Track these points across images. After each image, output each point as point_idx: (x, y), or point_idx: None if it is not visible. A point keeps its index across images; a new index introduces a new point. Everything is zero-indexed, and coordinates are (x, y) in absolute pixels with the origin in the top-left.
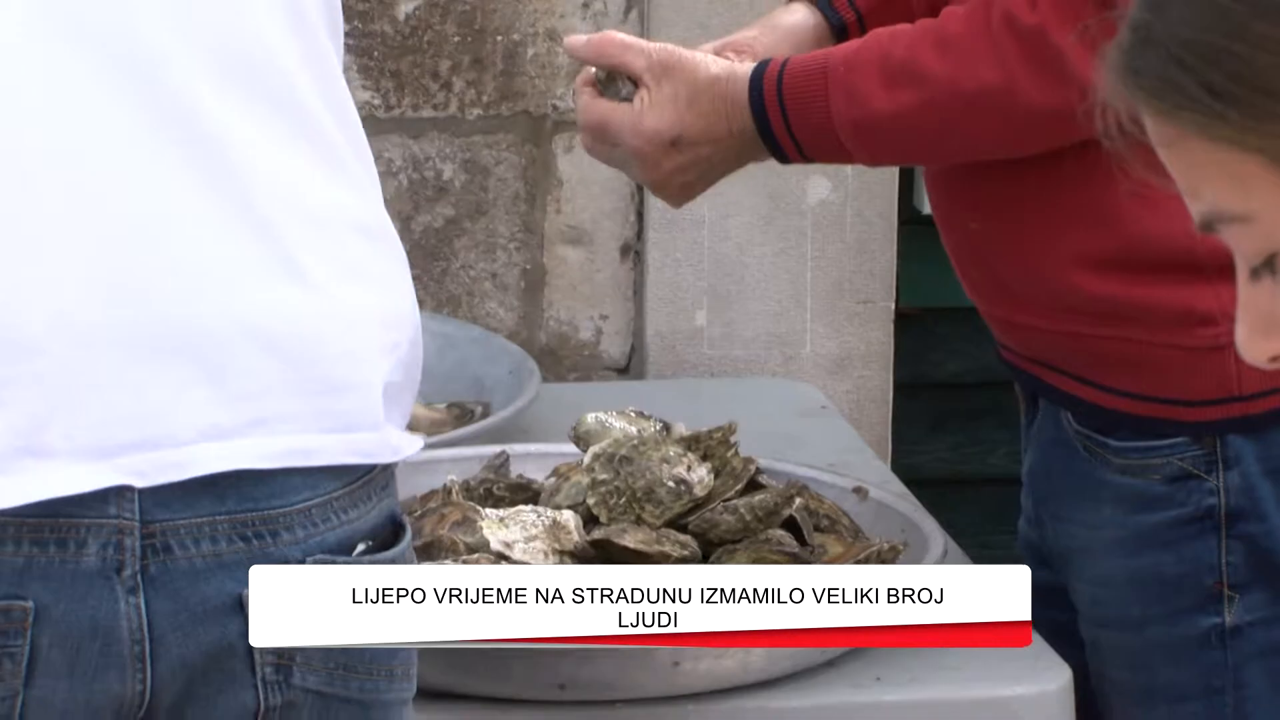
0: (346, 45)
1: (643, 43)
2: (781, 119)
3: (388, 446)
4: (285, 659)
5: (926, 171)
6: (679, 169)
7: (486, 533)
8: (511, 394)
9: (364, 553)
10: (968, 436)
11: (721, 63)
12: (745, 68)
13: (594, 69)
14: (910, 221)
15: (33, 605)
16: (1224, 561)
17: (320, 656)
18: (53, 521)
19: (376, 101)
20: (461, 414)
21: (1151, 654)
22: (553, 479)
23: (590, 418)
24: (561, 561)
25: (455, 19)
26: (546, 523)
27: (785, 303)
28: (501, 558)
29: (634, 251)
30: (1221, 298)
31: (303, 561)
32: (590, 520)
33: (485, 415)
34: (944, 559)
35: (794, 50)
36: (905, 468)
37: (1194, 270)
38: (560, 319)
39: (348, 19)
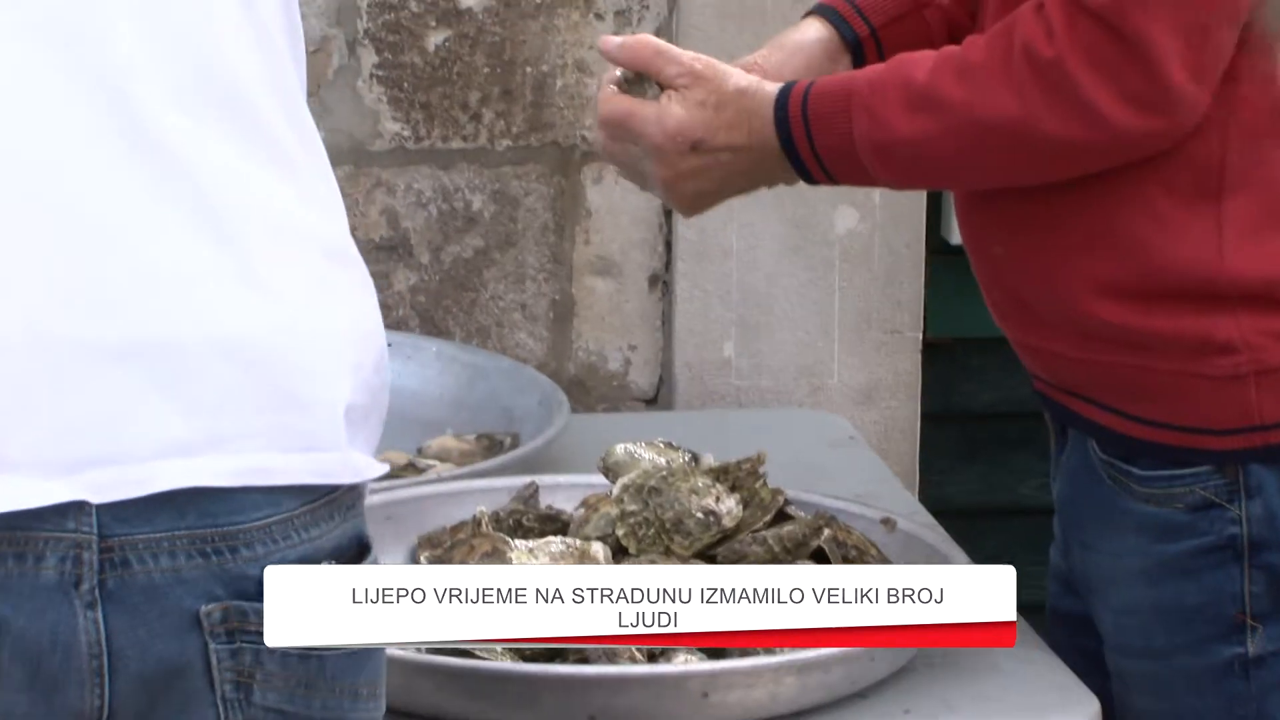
0: (377, 77)
1: (676, 50)
2: (805, 135)
3: (349, 468)
4: (245, 676)
5: (956, 196)
6: (695, 172)
7: (515, 564)
8: (541, 425)
9: None
10: (996, 467)
11: (749, 77)
12: (772, 85)
13: (621, 71)
14: (938, 251)
15: None
16: (1246, 591)
17: (281, 675)
18: (10, 535)
19: (406, 133)
20: (491, 445)
21: (1175, 684)
22: (582, 510)
23: (619, 449)
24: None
25: (484, 50)
26: (575, 554)
27: (813, 333)
28: None
29: (662, 282)
30: (1242, 326)
31: (260, 578)
32: (619, 551)
33: (514, 446)
34: None
35: (804, 66)
36: (933, 498)
37: (1213, 299)
38: (589, 350)
39: (377, 51)
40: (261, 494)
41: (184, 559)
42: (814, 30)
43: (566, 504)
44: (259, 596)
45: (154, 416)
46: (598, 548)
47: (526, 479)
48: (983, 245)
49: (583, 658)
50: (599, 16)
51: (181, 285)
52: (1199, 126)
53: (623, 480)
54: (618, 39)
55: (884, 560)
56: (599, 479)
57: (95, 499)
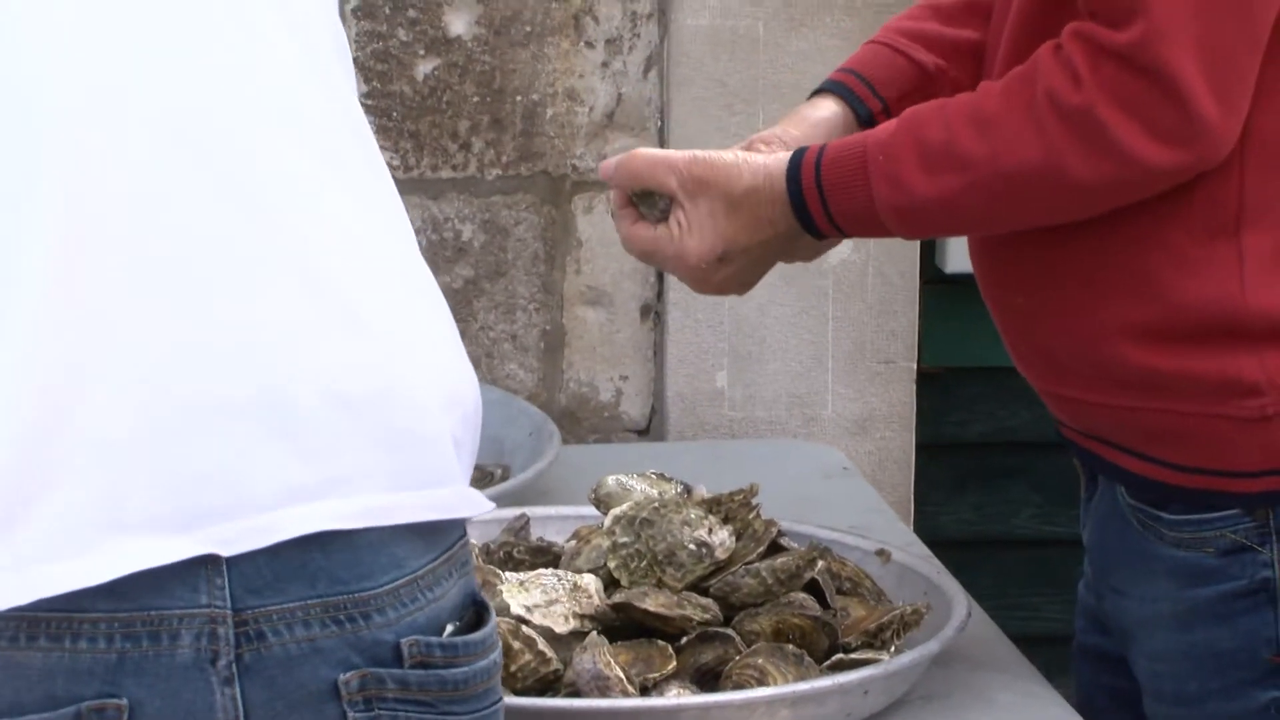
0: (365, 106)
1: (671, 157)
2: (821, 206)
3: (465, 501)
4: None
5: (972, 248)
6: (729, 278)
7: (507, 596)
8: (531, 456)
9: (454, 633)
10: (991, 497)
11: (755, 168)
12: (779, 163)
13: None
14: (932, 281)
15: (127, 702)
16: None
17: None
18: (144, 615)
19: (395, 162)
20: (481, 477)
21: None
22: (573, 542)
23: (611, 480)
24: (582, 625)
25: (474, 79)
26: (567, 586)
27: (806, 363)
28: (521, 622)
29: (654, 312)
30: (1267, 367)
31: (396, 644)
32: (611, 584)
33: (505, 478)
34: (967, 622)
35: (824, 141)
36: (928, 529)
37: (1238, 337)
38: (580, 380)
39: (366, 80)
40: (386, 554)
41: (319, 628)
42: (828, 107)
43: (558, 536)
44: (394, 663)
45: (272, 466)
46: (589, 580)
47: (517, 511)
48: (1003, 296)
49: (575, 691)
50: (589, 45)
51: (285, 332)
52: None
53: (614, 512)
54: (612, 162)
55: (878, 592)
56: (590, 511)
57: (224, 552)
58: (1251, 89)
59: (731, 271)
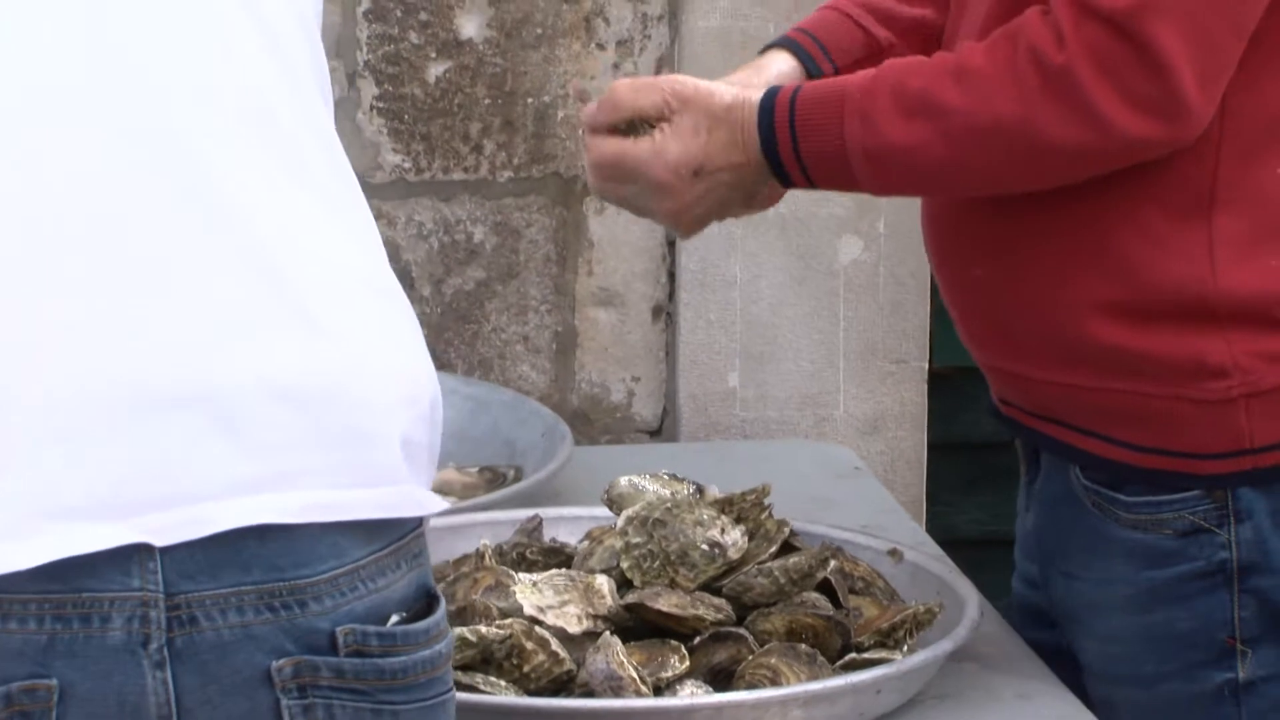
0: (378, 109)
1: (654, 79)
2: (790, 142)
3: (412, 501)
4: None
5: (924, 215)
6: (699, 198)
7: (519, 597)
8: (544, 457)
9: (398, 623)
10: (1003, 497)
11: (735, 91)
12: (757, 93)
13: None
14: None
15: (57, 683)
16: (1236, 616)
17: None
18: (75, 597)
19: (407, 165)
20: (494, 478)
21: (1165, 710)
22: (586, 543)
23: (623, 481)
24: (595, 626)
25: (485, 82)
26: (580, 587)
27: (818, 363)
28: (534, 622)
29: (666, 313)
30: (1233, 349)
31: (332, 632)
32: (624, 584)
33: (518, 479)
34: (980, 621)
35: None
36: (940, 528)
37: (1206, 319)
38: (592, 381)
39: (377, 83)
40: (326, 542)
41: (253, 614)
42: (786, 62)
43: (570, 537)
44: (330, 650)
45: (214, 458)
46: (602, 581)
47: (530, 512)
48: (959, 266)
49: (588, 691)
50: (600, 46)
51: (234, 327)
52: (1192, 142)
53: (627, 513)
54: (593, 104)
55: (891, 591)
56: (603, 511)
57: (157, 542)
58: (1230, 74)
59: (701, 191)
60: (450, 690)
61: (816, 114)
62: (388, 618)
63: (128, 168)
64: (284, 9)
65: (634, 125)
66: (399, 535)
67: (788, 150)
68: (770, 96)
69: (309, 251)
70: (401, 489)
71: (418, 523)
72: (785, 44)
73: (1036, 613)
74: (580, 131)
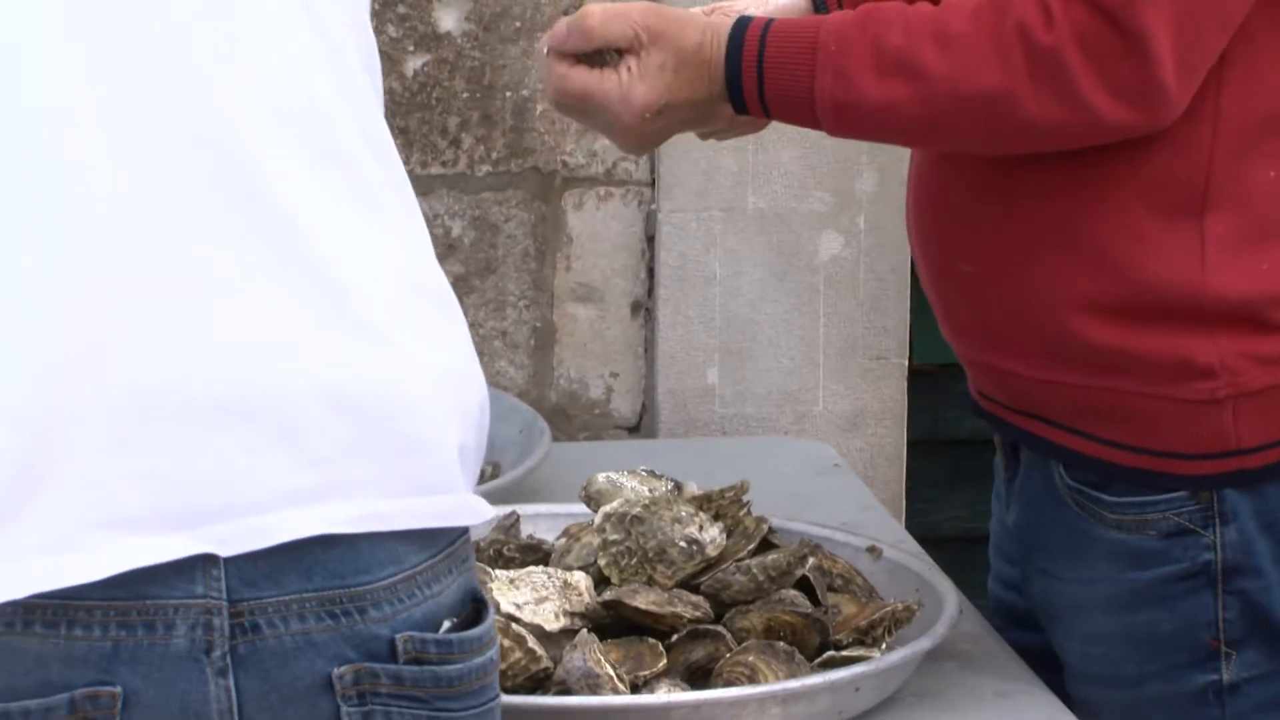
0: None
1: (625, 7)
2: (756, 81)
3: (467, 509)
4: None
5: (909, 208)
6: (658, 133)
7: (497, 594)
8: (522, 454)
9: (450, 630)
10: (983, 494)
11: (704, 25)
12: (727, 25)
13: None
14: None
15: (121, 690)
16: (1220, 618)
17: None
18: (140, 604)
19: None
20: None
21: (1147, 711)
22: (563, 539)
23: (601, 477)
24: (572, 623)
25: (464, 75)
26: (557, 584)
27: (798, 360)
28: (511, 620)
29: (645, 309)
30: (1221, 349)
31: (391, 639)
32: (601, 581)
33: (495, 475)
34: (958, 619)
35: None
36: (920, 526)
37: (1194, 319)
38: (571, 377)
39: None
40: (385, 549)
41: (314, 621)
42: None
43: (548, 534)
44: (389, 658)
45: (274, 468)
46: (580, 578)
47: (507, 508)
48: (946, 260)
49: (565, 689)
50: None
51: (291, 337)
52: (1182, 141)
53: (605, 509)
54: (561, 28)
55: (869, 589)
56: (581, 508)
57: (222, 552)
58: (1210, 65)
59: (660, 127)
60: (498, 696)
61: (785, 56)
62: (440, 624)
63: (184, 176)
64: (339, 8)
65: (601, 52)
66: (450, 541)
67: (752, 90)
68: (740, 30)
69: (361, 257)
70: (457, 497)
71: (465, 528)
72: None
73: (1015, 614)
74: (543, 49)
